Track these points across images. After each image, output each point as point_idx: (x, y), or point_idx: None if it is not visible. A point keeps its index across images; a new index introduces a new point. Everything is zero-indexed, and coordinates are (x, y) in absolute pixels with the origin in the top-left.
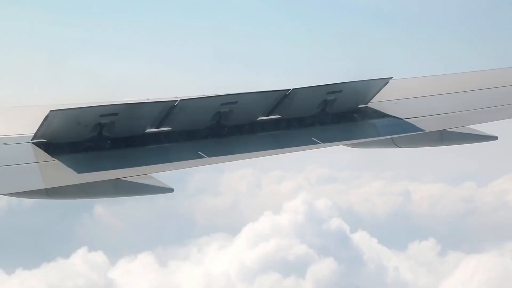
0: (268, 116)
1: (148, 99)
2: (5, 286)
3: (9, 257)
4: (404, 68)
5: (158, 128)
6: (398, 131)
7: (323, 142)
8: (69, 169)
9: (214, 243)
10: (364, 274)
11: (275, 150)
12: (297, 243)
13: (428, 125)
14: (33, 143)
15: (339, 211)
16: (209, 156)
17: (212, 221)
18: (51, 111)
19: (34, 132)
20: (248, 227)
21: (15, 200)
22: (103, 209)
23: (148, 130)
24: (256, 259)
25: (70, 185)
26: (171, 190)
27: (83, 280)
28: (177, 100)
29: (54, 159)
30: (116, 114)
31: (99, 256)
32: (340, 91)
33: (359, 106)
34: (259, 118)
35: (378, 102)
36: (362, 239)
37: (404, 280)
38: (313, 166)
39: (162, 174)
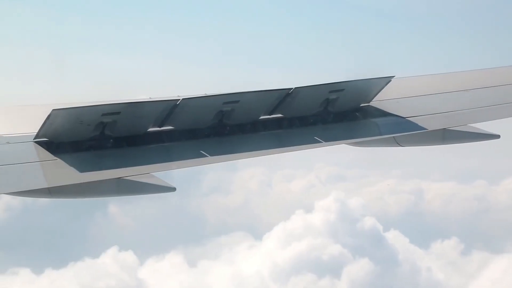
0: (270, 115)
1: (150, 98)
2: (36, 286)
3: (33, 257)
4: (406, 67)
5: (160, 127)
6: (400, 130)
7: (325, 141)
8: (72, 168)
9: (235, 242)
10: (400, 275)
11: (277, 149)
12: (331, 243)
13: (430, 124)
14: (36, 142)
15: (363, 210)
16: (211, 155)
17: (228, 220)
18: (53, 110)
19: (37, 131)
20: (280, 226)
21: (29, 200)
22: (116, 208)
23: (150, 129)
24: (289, 259)
25: (72, 184)
26: (173, 189)
27: (112, 279)
28: (179, 99)
29: (56, 158)
30: (118, 113)
31: (129, 256)
32: (342, 90)
33: (361, 105)
34: (261, 117)
35: (380, 101)
36: (395, 238)
37: (437, 280)
38: (321, 165)
39: (174, 173)
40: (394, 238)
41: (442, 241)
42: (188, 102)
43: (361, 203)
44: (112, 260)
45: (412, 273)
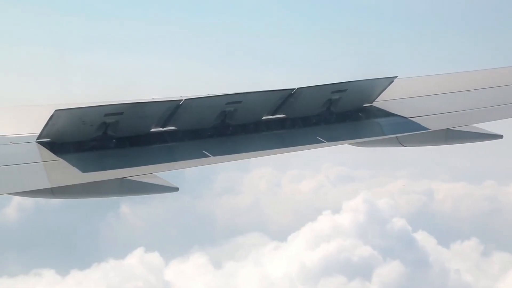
0: (273, 115)
1: (153, 98)
2: (63, 287)
3: (54, 258)
4: (409, 67)
5: (163, 127)
6: (403, 130)
7: (328, 141)
8: (74, 168)
9: (256, 243)
10: (431, 277)
11: (280, 149)
12: (360, 244)
13: (433, 124)
14: (38, 142)
15: (392, 211)
16: (214, 155)
17: (242, 220)
18: (56, 110)
19: (40, 131)
20: (307, 227)
21: (40, 200)
22: (128, 208)
23: (153, 130)
24: (318, 260)
25: (75, 184)
26: (176, 189)
27: (139, 281)
28: (182, 100)
29: (59, 158)
30: (121, 113)
31: (154, 257)
32: (345, 90)
33: (364, 105)
34: (264, 117)
35: (383, 101)
36: (424, 240)
37: (467, 282)
38: (327, 165)
39: (186, 174)
40: (423, 239)
41: (462, 242)
42: (191, 102)
43: (389, 204)
44: (137, 261)
45: (442, 275)
